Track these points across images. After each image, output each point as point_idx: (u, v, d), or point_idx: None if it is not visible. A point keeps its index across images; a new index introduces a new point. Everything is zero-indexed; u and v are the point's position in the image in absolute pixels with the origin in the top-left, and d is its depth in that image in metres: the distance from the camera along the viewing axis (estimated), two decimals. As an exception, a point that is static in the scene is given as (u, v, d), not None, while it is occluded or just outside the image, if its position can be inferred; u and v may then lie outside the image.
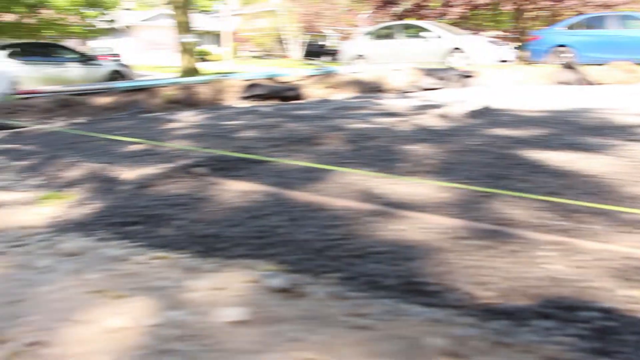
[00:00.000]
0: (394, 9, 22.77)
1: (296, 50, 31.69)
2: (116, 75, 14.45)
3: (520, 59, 18.44)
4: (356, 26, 27.14)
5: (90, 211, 2.69)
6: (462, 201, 2.44)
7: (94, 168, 3.61)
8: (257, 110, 7.22)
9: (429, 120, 5.25)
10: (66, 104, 7.93)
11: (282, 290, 1.57)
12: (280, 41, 33.91)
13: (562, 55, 16.82)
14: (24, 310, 1.53)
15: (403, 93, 8.75)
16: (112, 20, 21.04)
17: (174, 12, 16.08)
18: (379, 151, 3.74)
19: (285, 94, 8.47)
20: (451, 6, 21.31)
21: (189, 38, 16.20)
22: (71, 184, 3.35)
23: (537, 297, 1.47)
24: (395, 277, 1.65)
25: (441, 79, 9.37)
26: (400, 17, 21.99)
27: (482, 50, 15.48)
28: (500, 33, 26.43)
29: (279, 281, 1.62)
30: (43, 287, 1.69)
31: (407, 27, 18.01)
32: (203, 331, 1.31)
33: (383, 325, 1.33)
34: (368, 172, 3.03)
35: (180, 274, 1.77)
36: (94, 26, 19.90)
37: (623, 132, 4.25)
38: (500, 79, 9.97)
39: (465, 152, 3.57)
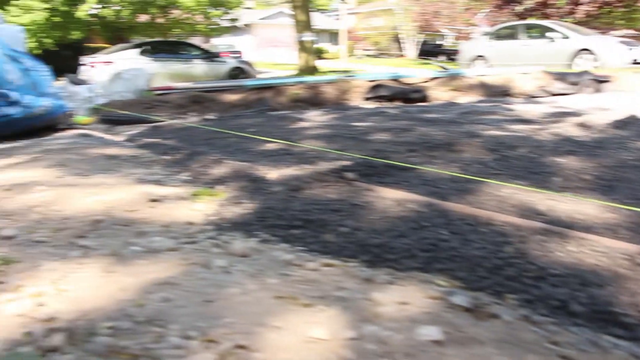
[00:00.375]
0: (515, 7, 21.99)
1: (411, 50, 31.43)
2: (237, 71, 14.97)
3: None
4: (474, 25, 26.47)
5: (244, 211, 2.77)
6: (633, 223, 2.31)
7: (238, 166, 3.73)
8: (384, 112, 7.22)
9: (569, 129, 5.01)
10: (197, 100, 8.32)
11: (467, 310, 1.55)
12: (396, 40, 33.76)
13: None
14: (218, 312, 1.61)
15: (531, 98, 8.42)
16: (234, 19, 21.86)
17: (293, 12, 16.40)
18: (526, 162, 3.62)
19: (410, 95, 8.42)
20: (579, 4, 20.24)
21: (308, 37, 16.46)
22: (218, 181, 3.48)
23: None
24: (584, 304, 1.59)
25: (574, 83, 8.92)
26: (522, 16, 21.21)
27: (613, 52, 14.51)
28: (633, 32, 24.85)
29: (462, 299, 1.60)
30: (231, 289, 1.77)
31: (530, 27, 17.33)
32: (406, 349, 1.32)
33: (586, 357, 1.28)
34: (525, 187, 2.94)
35: (357, 284, 1.80)
36: (217, 25, 20.77)
37: None
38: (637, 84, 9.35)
39: (622, 167, 3.38)
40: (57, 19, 15.71)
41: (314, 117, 7.00)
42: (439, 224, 2.35)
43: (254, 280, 1.87)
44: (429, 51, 29.14)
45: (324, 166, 3.55)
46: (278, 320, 1.52)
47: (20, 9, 15.15)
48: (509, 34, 17.42)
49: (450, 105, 7.75)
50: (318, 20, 40.29)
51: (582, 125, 5.16)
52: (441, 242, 2.13)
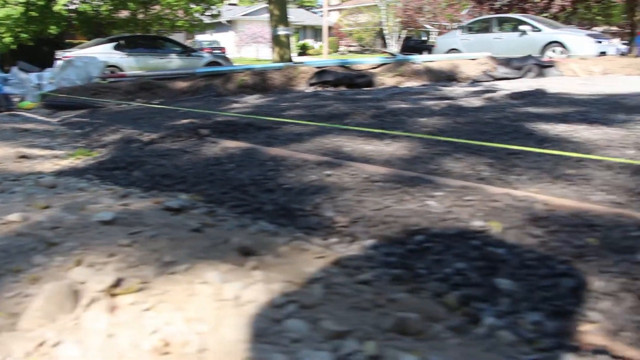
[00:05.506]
0: (495, 3, 22.15)
1: (394, 46, 31.60)
2: (214, 66, 15.15)
3: (629, 52, 17.39)
4: (457, 21, 26.61)
5: (93, 161, 2.98)
6: (416, 157, 2.48)
7: (128, 133, 3.93)
8: (319, 94, 7.40)
9: (473, 101, 5.18)
10: (146, 87, 8.51)
11: (172, 209, 1.72)
12: (380, 36, 33.90)
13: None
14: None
15: (475, 82, 8.58)
16: (216, 15, 22.03)
17: (268, 6, 16.52)
18: (393, 122, 3.80)
19: (356, 81, 8.57)
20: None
21: (283, 31, 16.54)
22: (104, 145, 3.69)
23: (388, 224, 1.52)
24: (277, 205, 1.76)
25: (517, 68, 9.07)
26: (501, 11, 21.36)
27: (582, 44, 14.77)
28: (609, 28, 24.96)
29: (175, 203, 1.77)
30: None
31: (503, 20, 17.50)
32: (74, 226, 1.49)
33: (213, 231, 1.44)
34: (347, 127, 3.11)
35: (111, 199, 1.97)
36: (199, 20, 20.91)
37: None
38: (583, 69, 9.50)
39: (471, 123, 3.55)
40: (33, 13, 15.77)
41: (250, 100, 7.18)
42: (238, 161, 2.52)
43: (27, 197, 2.05)
44: (412, 47, 29.27)
45: (190, 125, 3.75)
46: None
47: (-5, 2, 15.28)
48: (483, 28, 17.60)
49: (390, 88, 7.90)
50: (303, 16, 40.51)
51: (487, 99, 5.32)
52: (220, 172, 2.31)
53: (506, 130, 3.18)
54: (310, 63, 9.37)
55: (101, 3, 17.88)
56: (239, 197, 1.91)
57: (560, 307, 1.05)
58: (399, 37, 32.26)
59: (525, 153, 2.44)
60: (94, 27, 18.46)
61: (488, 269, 1.22)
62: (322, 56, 29.27)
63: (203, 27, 21.93)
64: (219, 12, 23.01)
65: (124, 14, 19.23)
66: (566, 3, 20.63)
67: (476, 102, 5.14)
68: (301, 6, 47.98)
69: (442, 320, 1.02)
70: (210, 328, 0.93)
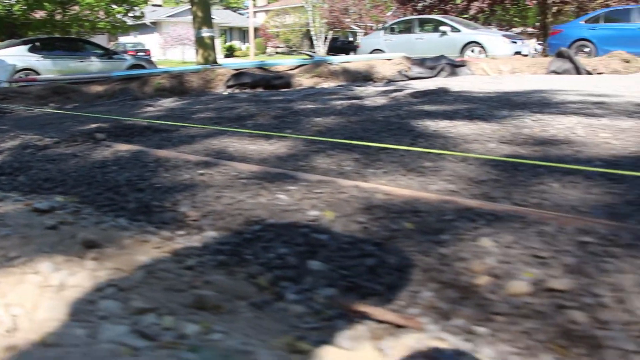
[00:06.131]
0: (418, 4, 22.77)
1: (321, 47, 31.93)
2: (137, 69, 14.93)
3: (542, 52, 18.26)
4: (383, 22, 27.18)
5: (-17, 167, 2.98)
6: (292, 155, 2.63)
7: (28, 139, 3.90)
8: (234, 96, 7.47)
9: (378, 100, 5.39)
10: (60, 91, 8.34)
11: (40, 211, 1.79)
12: (307, 37, 34.17)
13: (586, 49, 16.68)
14: None
15: (390, 82, 8.85)
16: (139, 16, 21.69)
17: (191, 7, 16.40)
18: (291, 122, 3.94)
19: (273, 82, 8.68)
20: (473, 1, 21.19)
21: (206, 32, 16.46)
22: (1, 150, 3.66)
23: (234, 216, 1.65)
24: (141, 203, 1.86)
25: (431, 68, 9.42)
26: (423, 12, 21.98)
27: (498, 44, 15.58)
28: (525, 29, 26.06)
29: (43, 205, 1.85)
30: None
31: (424, 21, 18.06)
32: None
33: (68, 228, 1.53)
34: (237, 130, 3.24)
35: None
36: (122, 22, 20.54)
37: (545, 107, 4.31)
38: (492, 68, 9.97)
39: (362, 121, 3.73)
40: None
41: (165, 103, 7.17)
42: (123, 164, 2.60)
43: None
44: (339, 47, 29.72)
45: (86, 130, 3.78)
46: None
47: None
48: (405, 28, 18.13)
49: (306, 89, 8.06)
50: (229, 17, 40.27)
51: (391, 98, 5.55)
52: (101, 175, 2.38)
53: (390, 128, 3.37)
54: (227, 65, 9.42)
55: (14, 2, 17.27)
56: (110, 197, 1.99)
57: (354, 283, 1.20)
58: (326, 38, 32.63)
59: (393, 149, 2.63)
60: (6, 28, 17.80)
61: (307, 252, 1.36)
62: (249, 58, 29.24)
63: (126, 29, 21.54)
64: (142, 13, 22.64)
65: (39, 14, 18.65)
66: (484, 5, 21.48)
67: (380, 101, 5.35)
68: (227, 7, 47.62)
69: (249, 298, 1.16)
70: (26, 311, 1.03)
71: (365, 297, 1.15)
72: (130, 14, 20.66)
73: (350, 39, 33.14)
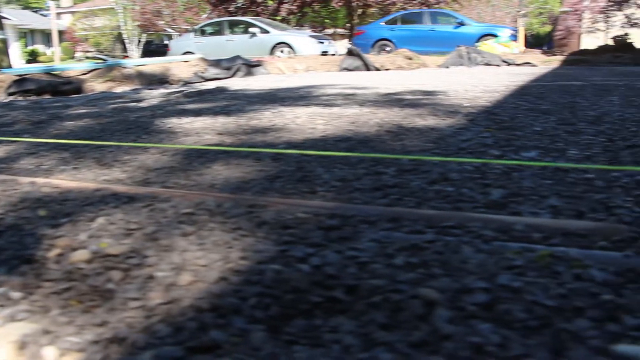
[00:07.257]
0: (230, 6, 22.99)
1: (135, 50, 31.05)
2: None
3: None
4: (198, 24, 27.07)
5: None
6: (4, 157, 2.60)
7: None
8: (13, 104, 7.07)
9: (153, 102, 5.42)
10: None
11: None
12: (119, 40, 33.03)
13: (387, 48, 18.02)
14: None
15: (186, 83, 8.88)
16: None
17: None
18: (46, 126, 3.87)
19: (61, 88, 8.29)
20: (282, 3, 21.87)
21: (-3, 36, 15.26)
22: None
23: None
24: None
25: (227, 68, 9.61)
26: (236, 14, 22.25)
27: (305, 44, 16.34)
28: (336, 30, 27.42)
29: None
30: None
31: (235, 23, 18.35)
32: None
33: None
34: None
35: None
36: None
37: (299, 100, 4.63)
38: (288, 67, 10.41)
39: (110, 123, 3.76)
40: None
41: None
42: None
43: None
44: (153, 51, 29.08)
45: None
46: None
47: None
48: (216, 30, 18.27)
49: (95, 94, 7.83)
50: (30, 19, 37.63)
51: (166, 100, 5.61)
52: None
53: (130, 127, 3.43)
54: (8, 71, 8.84)
55: None
56: None
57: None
58: (139, 41, 31.74)
59: (116, 146, 2.71)
60: None
61: None
62: (55, 63, 27.56)
63: None
64: None
65: None
66: (293, 7, 22.27)
67: (154, 102, 5.38)
68: (26, 7, 44.28)
69: None
70: None
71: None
72: None
73: (166, 42, 32.56)
